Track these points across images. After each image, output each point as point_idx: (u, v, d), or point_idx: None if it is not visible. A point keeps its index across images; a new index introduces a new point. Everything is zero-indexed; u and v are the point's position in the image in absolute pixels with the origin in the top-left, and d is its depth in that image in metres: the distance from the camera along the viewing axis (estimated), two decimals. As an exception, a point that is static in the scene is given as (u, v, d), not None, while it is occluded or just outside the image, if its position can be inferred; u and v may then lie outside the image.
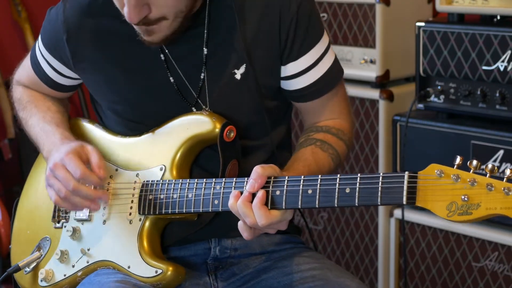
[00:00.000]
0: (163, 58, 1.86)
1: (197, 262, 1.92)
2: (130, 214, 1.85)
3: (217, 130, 1.81)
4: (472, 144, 2.54)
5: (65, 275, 1.92)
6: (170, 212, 1.80)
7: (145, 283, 1.80)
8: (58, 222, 1.96)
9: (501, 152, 2.47)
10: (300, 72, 1.89)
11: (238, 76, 1.85)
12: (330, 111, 1.95)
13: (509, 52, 2.45)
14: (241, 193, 1.69)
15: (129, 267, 1.83)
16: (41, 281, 1.94)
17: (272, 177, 1.69)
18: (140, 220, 1.84)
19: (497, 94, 2.49)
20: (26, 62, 2.09)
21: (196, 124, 1.84)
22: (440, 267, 2.69)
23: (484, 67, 2.50)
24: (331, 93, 1.94)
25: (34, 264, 1.97)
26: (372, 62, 2.91)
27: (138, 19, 1.71)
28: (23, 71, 2.10)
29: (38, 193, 2.04)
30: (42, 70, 2.03)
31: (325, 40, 1.91)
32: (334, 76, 1.93)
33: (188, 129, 1.84)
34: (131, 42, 1.85)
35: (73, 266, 1.91)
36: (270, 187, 1.68)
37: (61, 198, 1.82)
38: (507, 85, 2.48)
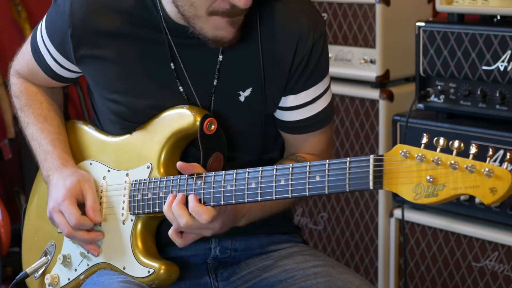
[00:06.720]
0: (173, 67, 1.84)
1: (197, 262, 1.92)
2: (122, 214, 1.85)
3: (197, 123, 1.80)
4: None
5: (69, 279, 1.93)
6: (157, 211, 1.80)
7: (142, 283, 1.80)
8: (59, 226, 1.97)
9: (501, 152, 2.46)
10: (297, 105, 1.88)
11: (242, 98, 1.84)
12: (312, 147, 1.94)
13: (509, 52, 2.44)
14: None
15: (124, 268, 1.83)
16: (48, 286, 1.94)
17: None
18: (132, 220, 1.84)
19: (497, 94, 2.49)
20: (26, 48, 2.04)
21: (177, 118, 1.82)
22: (440, 267, 2.69)
23: (484, 67, 2.50)
24: (319, 131, 1.93)
25: (43, 269, 1.97)
26: (372, 62, 2.91)
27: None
28: (23, 59, 2.05)
29: (43, 199, 2.03)
30: (43, 59, 1.98)
31: (327, 79, 1.91)
32: (327, 116, 1.93)
33: (170, 125, 1.83)
34: (139, 44, 1.83)
35: (76, 270, 1.91)
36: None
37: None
38: (507, 85, 2.47)
